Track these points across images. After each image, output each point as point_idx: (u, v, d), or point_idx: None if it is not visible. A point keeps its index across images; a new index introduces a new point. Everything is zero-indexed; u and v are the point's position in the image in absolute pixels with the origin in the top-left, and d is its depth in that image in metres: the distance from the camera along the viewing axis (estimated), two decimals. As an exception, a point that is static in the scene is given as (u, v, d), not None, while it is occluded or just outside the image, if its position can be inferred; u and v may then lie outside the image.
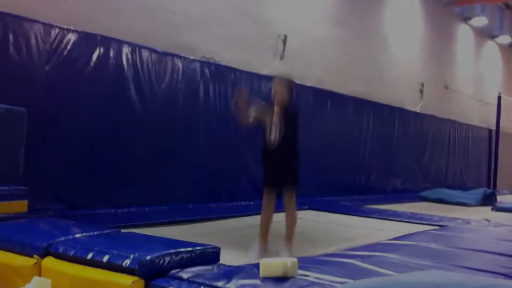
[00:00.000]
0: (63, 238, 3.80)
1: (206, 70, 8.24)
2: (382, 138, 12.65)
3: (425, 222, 7.38)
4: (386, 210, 8.71)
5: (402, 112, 13.51)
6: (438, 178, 15.26)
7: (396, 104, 13.39)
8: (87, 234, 4.03)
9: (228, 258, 3.95)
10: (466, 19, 17.43)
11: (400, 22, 13.80)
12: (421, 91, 14.70)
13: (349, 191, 11.22)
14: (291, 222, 5.30)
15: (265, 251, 5.09)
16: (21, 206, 5.22)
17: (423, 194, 12.20)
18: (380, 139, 12.53)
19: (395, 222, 7.45)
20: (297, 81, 9.90)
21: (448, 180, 15.72)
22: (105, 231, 4.20)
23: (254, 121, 5.26)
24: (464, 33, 17.49)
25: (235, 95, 5.47)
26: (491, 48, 19.63)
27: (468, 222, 7.42)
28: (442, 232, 6.31)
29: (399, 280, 2.22)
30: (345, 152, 11.37)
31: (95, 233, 4.09)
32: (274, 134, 5.21)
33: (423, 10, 14.91)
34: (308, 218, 7.70)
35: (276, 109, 5.21)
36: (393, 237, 5.75)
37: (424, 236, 5.82)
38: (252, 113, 5.24)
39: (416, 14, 14.64)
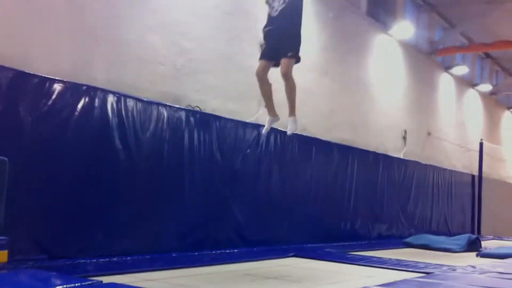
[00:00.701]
0: (43, 291, 3.73)
1: (192, 119, 8.29)
2: (367, 184, 12.70)
3: (411, 269, 7.35)
4: (371, 257, 8.66)
5: (386, 158, 13.63)
6: (423, 224, 15.28)
7: (380, 150, 13.52)
8: (67, 286, 3.96)
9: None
10: (447, 68, 17.84)
11: (383, 71, 14.08)
12: (404, 138, 14.89)
13: (334, 237, 11.19)
14: (292, 93, 5.70)
15: (276, 118, 5.95)
16: (1, 256, 5.13)
17: (408, 240, 12.18)
18: (364, 185, 12.58)
19: (381, 269, 7.41)
20: (282, 129, 10.05)
21: (433, 225, 15.74)
22: (86, 283, 4.13)
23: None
24: (445, 82, 17.87)
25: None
26: (473, 96, 20.03)
27: (453, 269, 7.40)
28: (427, 279, 6.29)
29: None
30: (330, 198, 11.39)
31: (76, 285, 4.03)
32: (276, 6, 5.42)
33: (405, 59, 15.25)
34: (293, 265, 7.65)
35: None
36: (379, 283, 5.71)
37: (410, 283, 5.80)
38: None
39: (399, 63, 14.97)
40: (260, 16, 6.63)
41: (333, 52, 12.10)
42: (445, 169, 16.79)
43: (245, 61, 9.49)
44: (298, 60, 5.68)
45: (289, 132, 6.00)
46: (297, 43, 5.59)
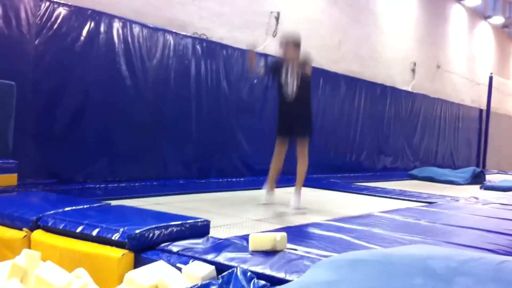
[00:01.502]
0: (52, 212, 3.80)
1: (198, 47, 8.19)
2: (374, 116, 12.68)
3: (414, 199, 7.44)
4: (375, 187, 8.76)
5: (393, 91, 13.52)
6: (428, 157, 15.35)
7: (388, 83, 13.40)
8: (77, 207, 4.04)
9: (218, 226, 3.99)
10: (459, -1, 17.41)
11: (393, 2, 13.74)
12: (413, 71, 14.71)
13: (340, 169, 11.28)
14: (302, 170, 6.02)
15: (272, 194, 6.10)
16: (10, 179, 5.23)
17: (413, 172, 12.26)
18: (371, 118, 12.56)
19: (385, 199, 7.50)
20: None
21: (438, 159, 15.82)
22: (95, 205, 4.21)
23: (264, 73, 6.23)
24: (457, 13, 17.45)
25: (247, 53, 6.03)
26: (484, 29, 19.61)
27: (456, 199, 7.49)
28: (431, 208, 6.38)
29: (385, 253, 2.25)
30: (337, 130, 11.40)
31: (85, 206, 4.11)
32: (291, 86, 5.75)
33: (416, -12, 14.85)
34: (298, 194, 7.74)
35: (290, 62, 5.73)
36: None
37: (413, 212, 5.88)
38: (262, 68, 5.76)
39: (409, -8, 14.59)
40: None
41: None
42: (453, 103, 16.68)
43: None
44: (311, 136, 6.18)
45: (291, 207, 5.89)
46: (310, 124, 6.14)
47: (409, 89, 14.38)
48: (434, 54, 15.94)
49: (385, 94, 13.14)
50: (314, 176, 10.06)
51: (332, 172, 10.87)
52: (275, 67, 6.01)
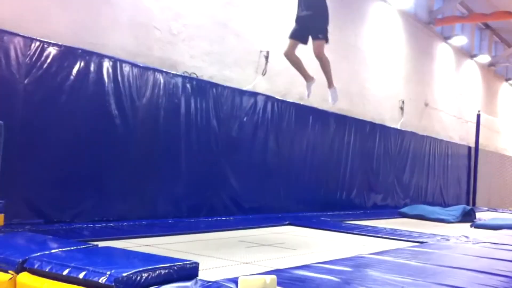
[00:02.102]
0: (39, 254, 3.73)
1: (188, 85, 8.23)
2: (363, 154, 12.72)
3: (405, 239, 7.40)
4: (366, 226, 8.72)
5: (383, 129, 13.62)
6: (419, 194, 15.37)
7: (377, 120, 13.51)
8: (64, 249, 3.97)
9: (207, 269, 3.93)
10: (446, 38, 17.72)
11: (381, 41, 13.97)
12: (402, 108, 14.86)
13: (330, 207, 11.25)
14: (326, 67, 6.40)
15: (312, 81, 6.73)
16: (-3, 220, 5.15)
17: (403, 210, 12.25)
18: (361, 155, 12.61)
19: (376, 238, 7.46)
20: (279, 97, 10.01)
21: (428, 196, 15.83)
22: (82, 246, 4.14)
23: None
24: (444, 52, 17.76)
25: None
26: (471, 67, 19.94)
27: (447, 239, 7.46)
28: (421, 248, 6.34)
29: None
30: (327, 168, 11.41)
31: (72, 248, 4.04)
32: None
33: (404, 28, 15.12)
34: (288, 233, 7.70)
35: None
36: (373, 252, 5.75)
37: (404, 252, 5.83)
38: None
39: (397, 32, 14.84)
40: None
41: (331, 20, 11.94)
42: (441, 140, 16.81)
43: (241, 27, 9.40)
44: (327, 40, 6.35)
45: (332, 102, 6.87)
46: (326, 25, 6.30)
47: (398, 127, 14.50)
48: (422, 91, 16.14)
49: (374, 131, 13.22)
50: (305, 214, 10.04)
51: (323, 210, 10.84)
52: None
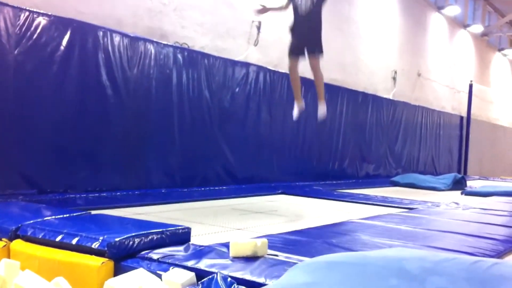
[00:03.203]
0: (32, 221, 3.79)
1: (179, 56, 8.20)
2: (356, 124, 12.77)
3: (395, 205, 7.50)
4: (358, 194, 8.82)
5: (375, 99, 13.64)
6: (410, 164, 15.48)
7: (370, 91, 13.52)
8: (57, 216, 4.02)
9: (199, 235, 3.98)
10: (439, 8, 17.64)
11: (375, 11, 13.90)
12: (394, 79, 14.86)
13: (322, 176, 11.33)
14: (319, 81, 6.43)
15: (302, 107, 6.79)
16: (-11, 190, 5.17)
17: (395, 179, 12.36)
18: (353, 126, 12.65)
19: (366, 205, 7.55)
20: (272, 68, 9.99)
21: (420, 166, 15.95)
22: (75, 214, 4.19)
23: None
24: (437, 22, 17.69)
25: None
26: (464, 37, 19.90)
27: (437, 205, 7.56)
28: (411, 214, 6.43)
29: (361, 255, 2.28)
30: (319, 138, 11.46)
31: (65, 215, 4.09)
32: (303, 5, 6.06)
33: (397, -2, 15.03)
34: (281, 201, 7.78)
35: None
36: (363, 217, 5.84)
37: (393, 217, 5.93)
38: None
39: (390, 3, 14.75)
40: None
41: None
42: (434, 110, 16.87)
43: (234, -2, 9.33)
44: (322, 53, 6.34)
45: (319, 118, 6.82)
46: (321, 41, 6.29)
47: (391, 97, 14.52)
48: (415, 62, 16.12)
49: (366, 101, 13.25)
50: (297, 183, 10.11)
51: (315, 180, 10.93)
52: None
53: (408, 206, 7.36)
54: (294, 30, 6.26)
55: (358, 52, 13.34)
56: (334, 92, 11.94)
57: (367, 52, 13.67)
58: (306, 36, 6.19)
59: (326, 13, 11.83)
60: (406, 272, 1.96)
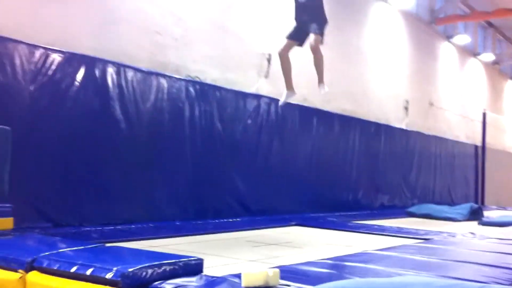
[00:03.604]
0: (47, 253, 3.81)
1: (191, 89, 8.32)
2: (369, 154, 12.75)
3: (411, 236, 7.42)
4: (372, 225, 8.75)
5: (388, 129, 13.65)
6: (426, 194, 15.36)
7: (382, 121, 13.54)
8: (72, 248, 4.04)
9: (212, 267, 3.98)
10: (449, 37, 17.74)
11: (383, 41, 14.02)
12: (406, 108, 14.87)
13: (337, 208, 11.27)
14: (319, 63, 6.46)
15: (293, 93, 6.64)
16: (6, 223, 5.24)
17: (411, 210, 12.26)
18: (366, 156, 12.63)
19: (381, 236, 7.49)
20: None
21: (436, 196, 15.82)
22: (90, 246, 4.22)
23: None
24: (447, 51, 17.78)
25: None
26: (475, 66, 19.93)
27: (453, 235, 7.47)
28: (427, 244, 6.36)
29: (369, 280, 2.28)
30: (332, 169, 11.45)
31: (80, 247, 4.11)
32: None
33: (406, 28, 15.15)
34: (295, 232, 7.74)
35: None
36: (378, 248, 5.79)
37: (408, 248, 5.86)
38: None
39: (399, 32, 14.88)
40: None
41: (331, 21, 11.99)
42: (447, 140, 16.80)
43: (243, 30, 9.48)
44: (322, 38, 6.41)
45: (322, 91, 6.76)
46: (323, 23, 6.37)
47: (403, 127, 14.51)
48: (426, 91, 16.15)
49: (379, 132, 13.26)
50: (311, 215, 10.07)
51: (330, 211, 10.86)
52: None
53: (424, 237, 7.28)
54: (296, 17, 6.33)
55: (368, 82, 13.42)
56: (346, 122, 11.98)
57: (377, 82, 13.73)
58: (308, 21, 6.24)
59: (335, 44, 12.02)
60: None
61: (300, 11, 6.30)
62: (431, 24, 16.65)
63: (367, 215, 11.20)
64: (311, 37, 6.19)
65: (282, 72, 6.62)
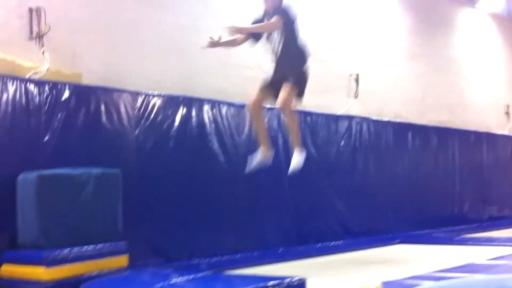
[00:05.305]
0: (160, 284, 4.11)
1: (283, 116, 8.53)
2: (471, 165, 12.32)
3: (523, 245, 7.14)
4: (480, 237, 8.47)
5: (489, 137, 13.14)
6: (539, 201, 14.50)
7: (482, 129, 13.06)
8: (183, 278, 4.33)
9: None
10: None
11: (475, 47, 13.59)
12: (507, 113, 14.25)
13: (442, 223, 10.95)
14: (292, 123, 5.56)
15: (268, 156, 5.60)
16: (122, 261, 5.60)
17: (523, 219, 11.68)
18: (469, 167, 12.22)
19: (490, 247, 7.25)
20: (375, 118, 10.07)
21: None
22: (200, 274, 4.49)
23: (247, 37, 5.56)
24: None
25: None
26: None
27: None
28: (540, 252, 6.10)
29: (469, 280, 2.33)
30: (433, 183, 11.18)
31: (190, 277, 4.39)
32: (276, 43, 5.47)
33: (498, 31, 14.61)
34: (399, 251, 7.67)
35: (271, 19, 5.36)
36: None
37: (519, 257, 5.67)
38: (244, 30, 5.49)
39: (491, 36, 14.37)
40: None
41: (419, 34, 11.90)
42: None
43: (328, 53, 9.64)
44: (301, 93, 5.59)
45: (291, 169, 5.65)
46: (300, 73, 5.56)
47: (506, 133, 13.90)
48: (528, 94, 15.37)
49: (480, 140, 12.79)
50: (415, 232, 9.87)
51: (434, 227, 10.58)
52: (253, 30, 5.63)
53: (537, 245, 6.98)
54: (275, 70, 5.62)
55: (463, 90, 13.03)
56: (443, 134, 11.70)
57: (473, 90, 13.30)
58: (283, 70, 5.47)
59: (424, 56, 11.85)
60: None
61: (278, 63, 5.58)
62: (526, 24, 15.93)
63: (475, 228, 10.82)
64: (283, 88, 5.29)
65: (255, 129, 5.76)
